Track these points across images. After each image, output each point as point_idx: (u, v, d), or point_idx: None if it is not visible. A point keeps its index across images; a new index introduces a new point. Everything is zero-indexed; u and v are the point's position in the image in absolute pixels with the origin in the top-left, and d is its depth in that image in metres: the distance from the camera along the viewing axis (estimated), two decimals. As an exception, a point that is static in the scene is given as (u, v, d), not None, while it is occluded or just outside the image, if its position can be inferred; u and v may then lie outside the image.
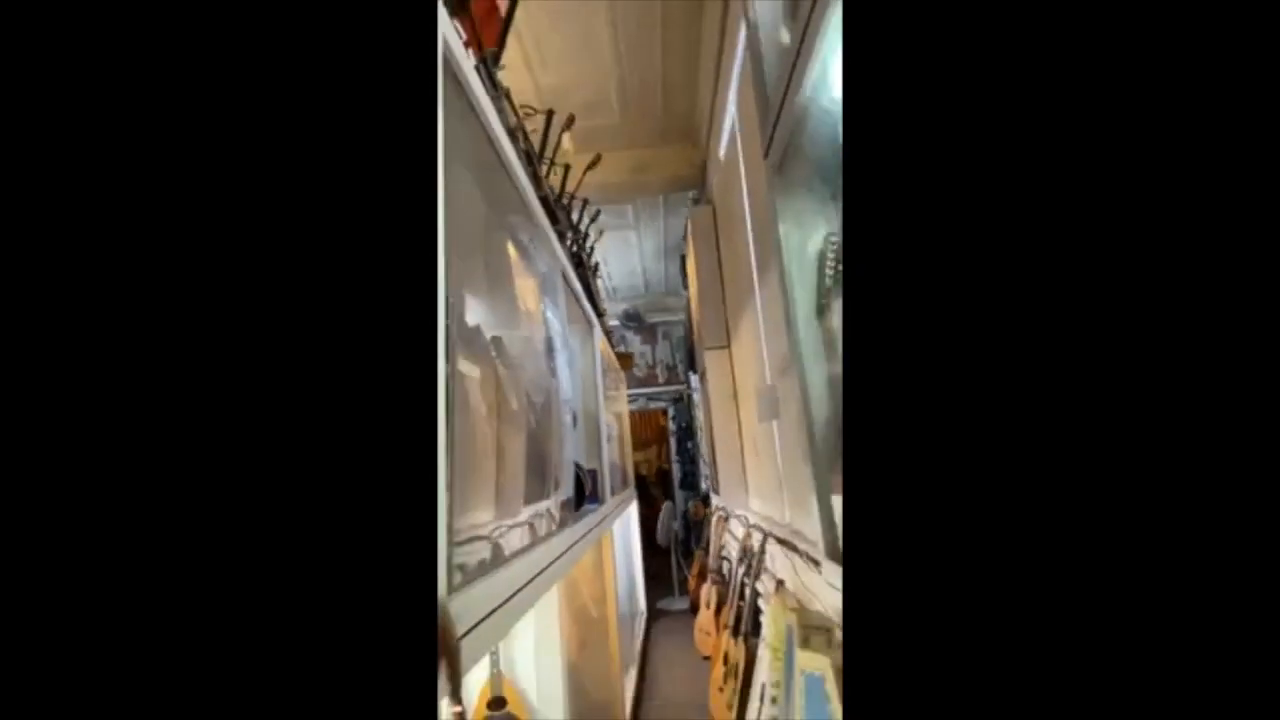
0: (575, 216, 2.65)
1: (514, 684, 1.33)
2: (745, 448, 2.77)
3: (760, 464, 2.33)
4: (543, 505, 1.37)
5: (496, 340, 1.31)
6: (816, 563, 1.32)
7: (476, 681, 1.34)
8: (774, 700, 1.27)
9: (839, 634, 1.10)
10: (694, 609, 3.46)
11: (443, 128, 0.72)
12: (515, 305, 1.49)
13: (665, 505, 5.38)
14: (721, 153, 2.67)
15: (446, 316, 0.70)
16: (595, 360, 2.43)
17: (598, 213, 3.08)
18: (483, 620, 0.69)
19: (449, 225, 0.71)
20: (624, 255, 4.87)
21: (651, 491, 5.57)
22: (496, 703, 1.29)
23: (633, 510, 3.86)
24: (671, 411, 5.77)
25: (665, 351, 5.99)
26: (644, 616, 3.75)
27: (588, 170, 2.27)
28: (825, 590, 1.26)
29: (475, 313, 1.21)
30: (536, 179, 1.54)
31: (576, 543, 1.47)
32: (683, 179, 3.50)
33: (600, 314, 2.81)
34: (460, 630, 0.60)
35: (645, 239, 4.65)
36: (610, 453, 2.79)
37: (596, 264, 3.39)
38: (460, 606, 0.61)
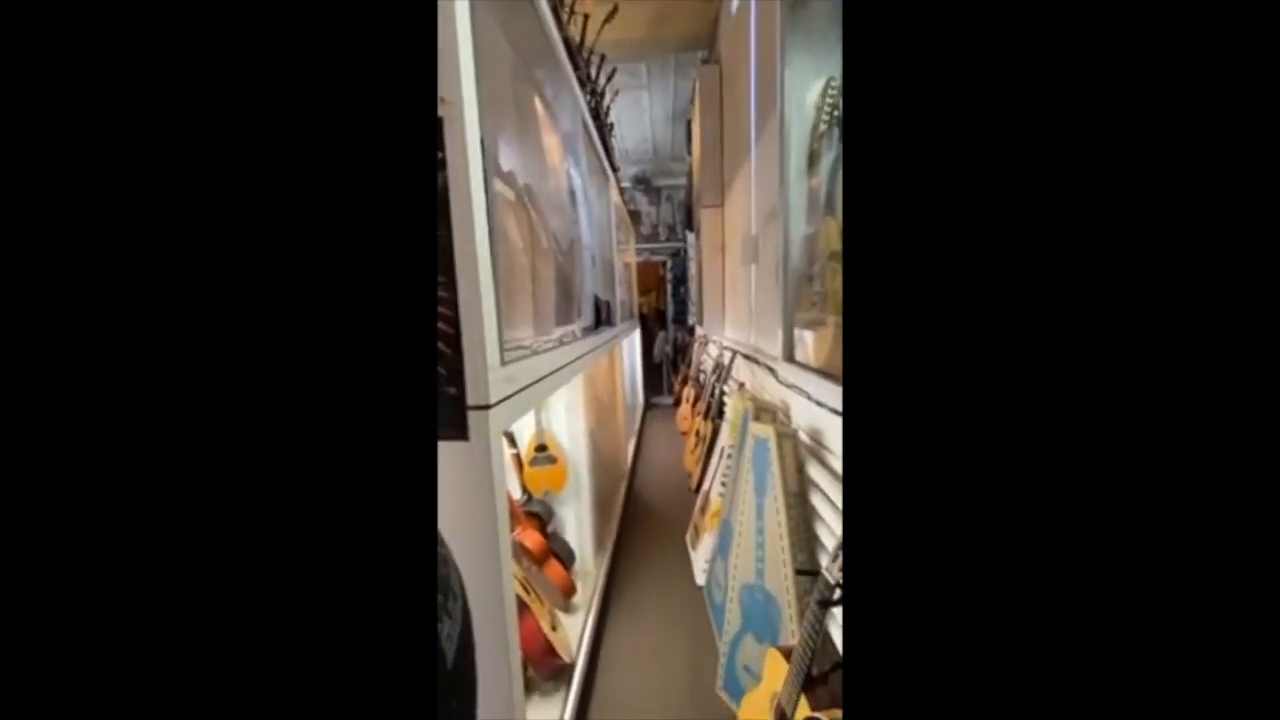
0: (593, 72, 2.24)
1: (553, 437, 1.48)
2: (726, 289, 2.73)
3: (736, 301, 2.31)
4: (569, 327, 1.38)
5: (528, 188, 1.19)
6: (772, 370, 1.38)
7: (525, 437, 1.49)
8: (729, 457, 1.43)
9: (781, 415, 1.18)
10: (677, 403, 3.77)
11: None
12: (544, 160, 1.33)
13: (660, 333, 5.53)
14: (734, 6, 2.15)
15: (483, 155, 0.61)
16: (610, 210, 2.27)
17: (614, 70, 2.59)
18: (527, 387, 0.73)
19: (479, 71, 0.58)
20: (636, 118, 4.25)
21: (650, 325, 5.69)
22: (541, 448, 1.46)
23: (636, 335, 3.98)
24: (669, 264, 5.62)
25: (667, 213, 5.60)
26: (642, 407, 4.11)
27: (606, 22, 1.84)
28: (775, 388, 1.34)
29: (508, 159, 1.08)
30: (558, 19, 1.25)
31: (595, 349, 1.53)
32: (695, 36, 2.88)
33: (615, 169, 2.54)
34: (509, 391, 0.64)
35: (656, 102, 4.01)
36: (620, 291, 2.77)
37: (611, 124, 2.97)
38: (508, 374, 0.63)
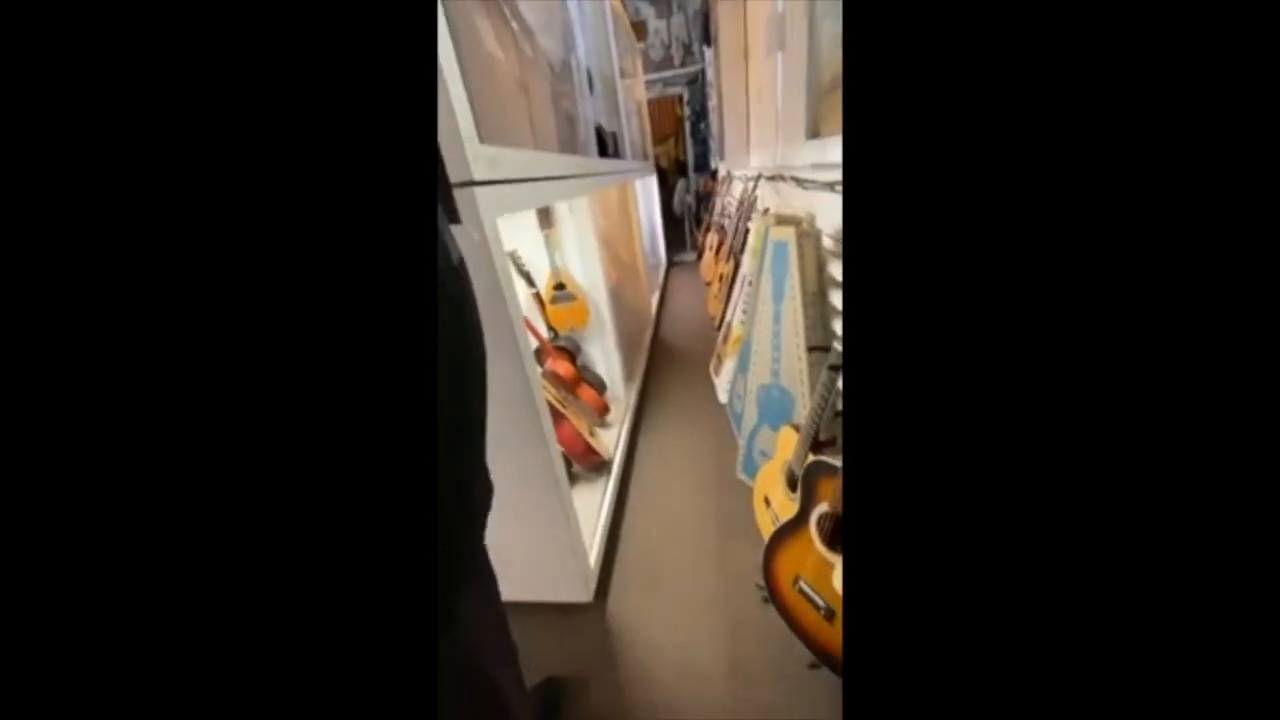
0: None
1: (570, 275, 1.48)
2: (750, 104, 2.37)
3: (762, 114, 2.01)
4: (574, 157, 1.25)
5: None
6: (798, 180, 1.25)
7: (542, 280, 1.50)
8: (749, 284, 1.40)
9: (804, 224, 1.10)
10: (700, 256, 3.64)
11: None
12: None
13: (680, 182, 5.09)
14: None
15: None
16: (606, 17, 1.87)
17: None
18: (522, 181, 0.68)
19: None
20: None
21: (670, 179, 5.20)
22: (559, 286, 1.47)
23: (653, 184, 3.67)
24: (686, 96, 4.85)
25: (680, 26, 4.62)
26: (664, 265, 4.00)
27: None
28: (801, 198, 1.22)
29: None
30: None
31: (602, 174, 1.41)
32: None
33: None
34: (495, 175, 0.59)
35: None
36: (630, 128, 2.46)
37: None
38: (491, 155, 0.58)
